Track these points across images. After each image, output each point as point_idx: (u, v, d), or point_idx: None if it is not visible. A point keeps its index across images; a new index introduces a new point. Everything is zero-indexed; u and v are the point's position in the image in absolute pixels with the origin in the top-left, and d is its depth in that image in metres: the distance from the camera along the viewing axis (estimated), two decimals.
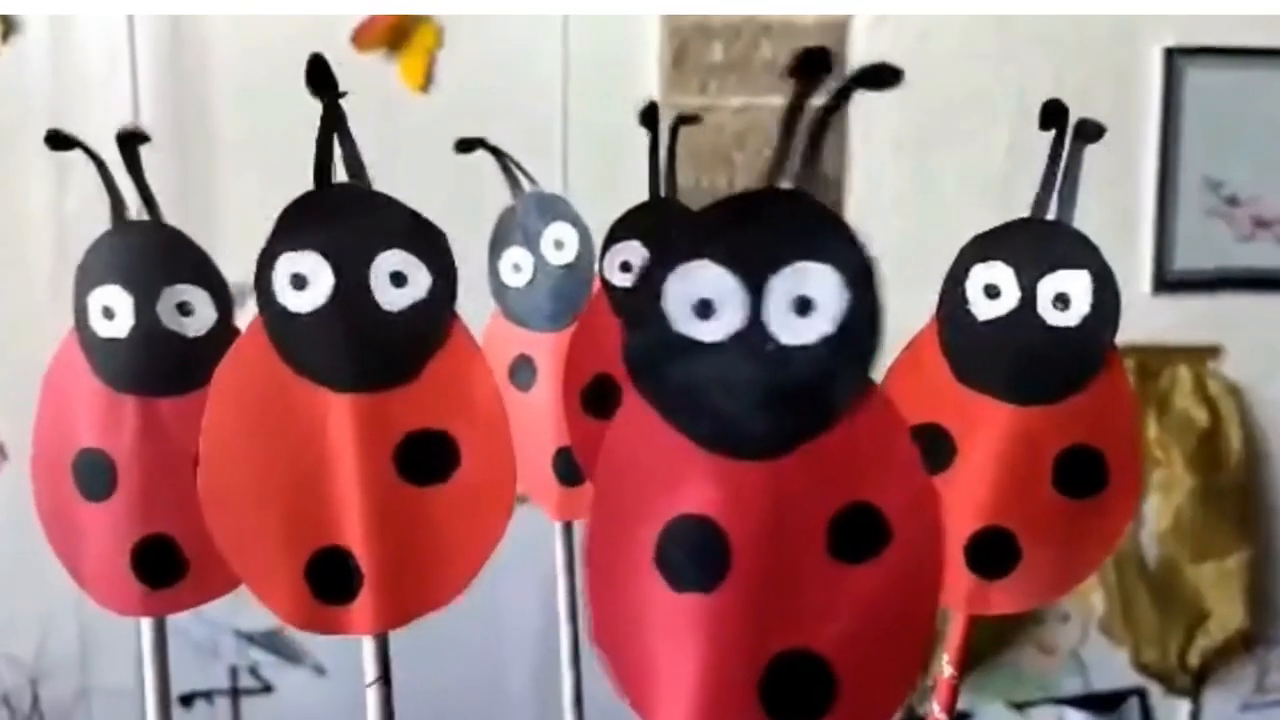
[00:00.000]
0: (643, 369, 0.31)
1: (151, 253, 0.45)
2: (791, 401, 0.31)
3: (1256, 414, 1.51)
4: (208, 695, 1.37)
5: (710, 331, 0.30)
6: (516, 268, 0.59)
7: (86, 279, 0.45)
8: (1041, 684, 1.50)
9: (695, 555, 0.31)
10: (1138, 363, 1.43)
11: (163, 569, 0.46)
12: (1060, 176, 0.44)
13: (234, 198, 1.26)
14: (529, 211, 0.58)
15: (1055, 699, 1.50)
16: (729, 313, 0.30)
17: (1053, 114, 0.43)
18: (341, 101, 0.38)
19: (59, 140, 0.43)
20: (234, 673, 1.38)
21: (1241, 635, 1.51)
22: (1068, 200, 0.44)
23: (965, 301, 0.46)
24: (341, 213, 0.39)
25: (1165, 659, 1.49)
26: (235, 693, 1.38)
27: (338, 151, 0.39)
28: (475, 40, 1.32)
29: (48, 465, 0.46)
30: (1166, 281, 1.45)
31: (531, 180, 0.59)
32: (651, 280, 0.31)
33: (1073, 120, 0.44)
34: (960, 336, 0.46)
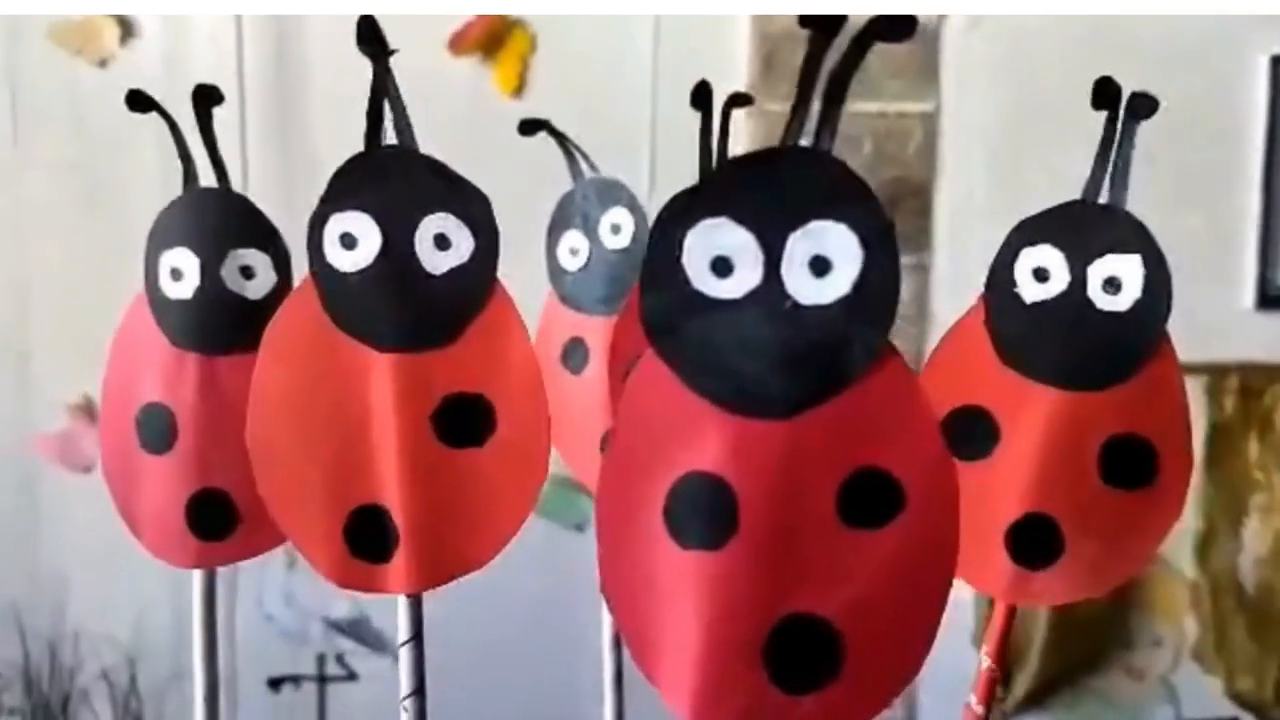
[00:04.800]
0: (659, 326, 0.31)
1: (219, 218, 0.47)
2: (806, 362, 0.31)
3: None
4: (295, 680, 1.41)
5: (727, 289, 0.31)
6: (573, 251, 0.60)
7: (158, 241, 0.47)
8: (1131, 711, 1.45)
9: (703, 513, 0.31)
10: (1240, 381, 1.38)
11: (216, 522, 0.48)
12: (1113, 158, 0.43)
13: None
14: (588, 196, 0.59)
15: None
16: (746, 270, 0.30)
17: (1105, 94, 0.43)
18: (391, 61, 0.39)
19: (139, 101, 0.45)
20: (321, 660, 1.41)
21: None
22: (1120, 182, 0.43)
23: (1013, 284, 0.45)
24: (389, 175, 0.40)
25: (1260, 689, 1.43)
26: (322, 679, 1.41)
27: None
28: (567, 45, 1.34)
29: (114, 420, 0.48)
30: (1271, 296, 1.40)
31: (592, 166, 0.60)
32: (670, 238, 0.31)
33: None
34: (1007, 319, 0.45)
